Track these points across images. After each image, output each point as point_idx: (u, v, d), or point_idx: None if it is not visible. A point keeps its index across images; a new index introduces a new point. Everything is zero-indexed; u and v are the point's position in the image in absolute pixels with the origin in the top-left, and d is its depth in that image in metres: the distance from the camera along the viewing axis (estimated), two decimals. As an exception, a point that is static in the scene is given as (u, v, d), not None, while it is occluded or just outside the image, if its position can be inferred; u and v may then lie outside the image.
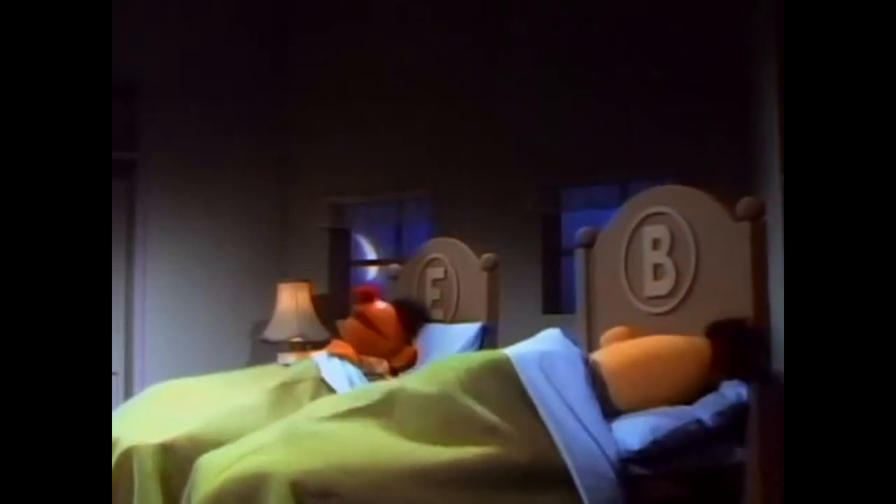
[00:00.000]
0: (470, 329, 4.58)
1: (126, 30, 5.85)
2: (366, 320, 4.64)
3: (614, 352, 3.50)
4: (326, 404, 3.35)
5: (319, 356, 4.49)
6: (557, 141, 6.13)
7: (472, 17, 6.63)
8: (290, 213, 7.28)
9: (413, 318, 4.69)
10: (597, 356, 3.46)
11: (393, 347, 4.59)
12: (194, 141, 6.99)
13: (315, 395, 4.13)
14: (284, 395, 4.08)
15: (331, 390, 4.17)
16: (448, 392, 3.13)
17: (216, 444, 3.31)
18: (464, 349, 4.50)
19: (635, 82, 5.92)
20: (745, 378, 3.29)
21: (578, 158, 6.07)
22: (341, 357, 4.41)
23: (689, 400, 3.32)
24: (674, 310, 3.67)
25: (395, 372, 4.53)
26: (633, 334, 3.58)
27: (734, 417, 3.24)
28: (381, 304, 4.72)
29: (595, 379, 3.32)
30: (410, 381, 3.33)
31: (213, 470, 2.91)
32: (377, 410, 3.10)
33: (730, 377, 3.33)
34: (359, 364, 4.41)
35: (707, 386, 3.37)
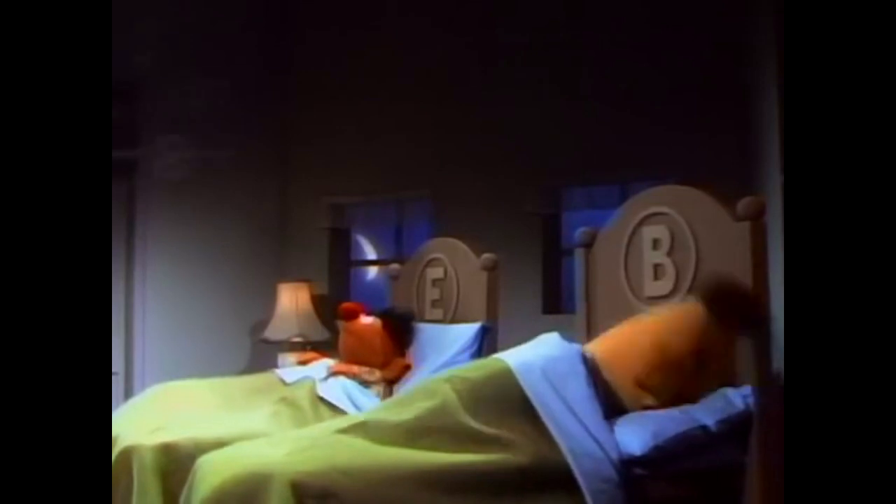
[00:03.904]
0: (469, 329, 4.58)
1: (126, 30, 5.85)
2: (354, 336, 4.68)
3: (604, 338, 3.48)
4: (326, 424, 3.40)
5: (317, 367, 4.55)
6: (557, 141, 6.13)
7: (472, 18, 6.63)
8: (290, 213, 7.28)
9: (400, 329, 4.70)
10: (590, 347, 3.44)
11: (383, 361, 4.62)
12: (194, 141, 6.99)
13: (314, 406, 4.17)
14: (284, 408, 4.13)
15: (328, 404, 4.22)
16: (445, 408, 3.10)
17: (217, 445, 3.31)
18: (463, 349, 4.51)
19: (635, 82, 5.92)
20: (747, 324, 3.24)
21: (578, 158, 6.07)
22: (336, 375, 4.46)
23: (693, 371, 3.26)
24: (674, 310, 3.66)
25: (387, 382, 4.57)
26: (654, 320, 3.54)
27: (739, 423, 3.23)
28: (366, 320, 4.74)
29: (595, 376, 3.30)
30: (405, 400, 3.28)
31: (213, 470, 2.90)
32: (373, 428, 3.10)
33: (733, 330, 3.28)
34: (353, 377, 4.46)
35: (714, 355, 3.31)
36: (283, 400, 4.21)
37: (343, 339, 4.78)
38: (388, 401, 3.53)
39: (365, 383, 4.48)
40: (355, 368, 4.55)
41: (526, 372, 3.23)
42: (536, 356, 3.34)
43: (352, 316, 4.75)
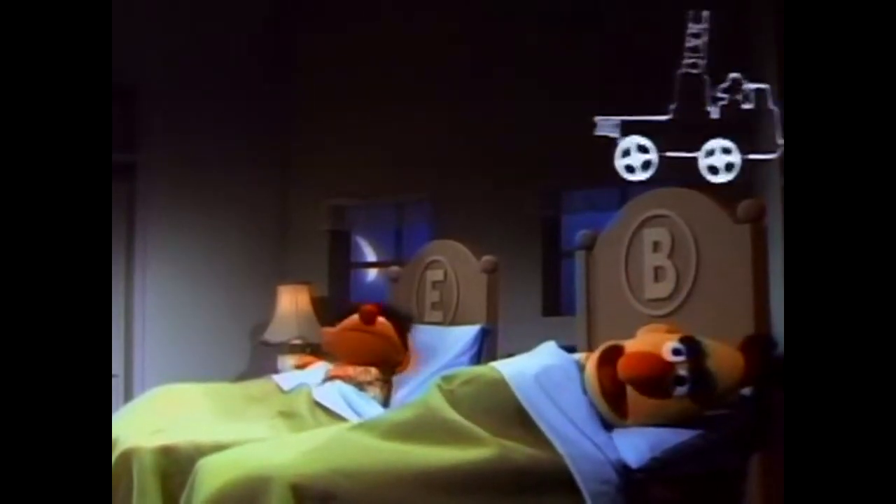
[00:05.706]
0: (469, 331, 4.58)
1: (126, 31, 5.84)
2: (380, 336, 4.66)
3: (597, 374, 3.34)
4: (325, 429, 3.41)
5: (313, 372, 4.55)
6: (557, 143, 6.13)
7: (472, 21, 6.63)
8: (290, 215, 7.28)
9: (403, 325, 4.72)
10: (584, 356, 3.40)
11: (402, 359, 4.63)
12: (195, 143, 6.99)
13: (312, 413, 4.17)
14: (282, 421, 4.13)
15: (326, 410, 4.22)
16: (442, 410, 3.11)
17: (217, 449, 3.31)
18: (463, 351, 4.50)
19: (634, 84, 5.91)
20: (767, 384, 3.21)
21: (578, 160, 6.07)
22: (332, 380, 4.45)
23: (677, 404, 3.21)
24: (674, 312, 3.65)
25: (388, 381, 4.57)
26: (671, 332, 3.48)
27: (740, 427, 3.21)
28: (382, 320, 4.73)
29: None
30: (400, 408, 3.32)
31: (213, 472, 2.90)
32: (371, 426, 3.13)
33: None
34: (349, 380, 4.45)
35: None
36: (281, 413, 4.20)
37: (361, 341, 4.68)
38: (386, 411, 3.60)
39: (360, 385, 4.47)
40: (350, 371, 4.53)
41: (519, 380, 3.22)
42: (530, 365, 3.33)
43: (373, 318, 4.72)
